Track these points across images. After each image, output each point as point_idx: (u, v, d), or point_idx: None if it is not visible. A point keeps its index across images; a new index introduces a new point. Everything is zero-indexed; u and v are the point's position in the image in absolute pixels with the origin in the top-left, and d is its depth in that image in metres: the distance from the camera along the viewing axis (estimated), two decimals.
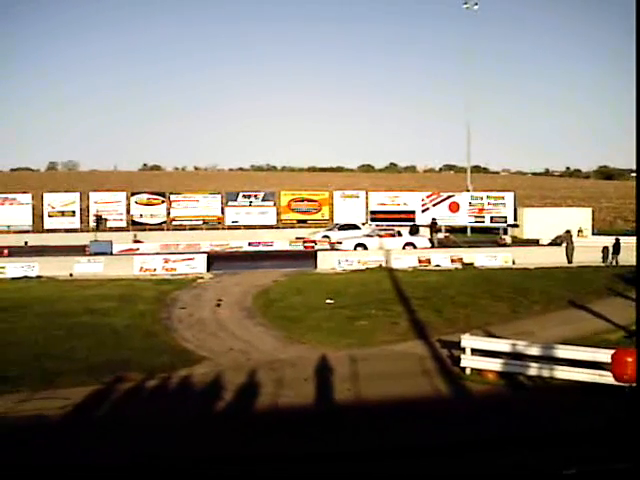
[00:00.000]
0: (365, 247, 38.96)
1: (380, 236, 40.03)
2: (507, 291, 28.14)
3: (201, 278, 32.52)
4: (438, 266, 35.05)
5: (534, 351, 16.40)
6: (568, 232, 37.99)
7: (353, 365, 17.85)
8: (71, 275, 32.72)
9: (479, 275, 32.61)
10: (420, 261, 35.45)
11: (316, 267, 34.97)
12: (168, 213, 48.98)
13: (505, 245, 42.89)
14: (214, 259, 36.19)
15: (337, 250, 38.83)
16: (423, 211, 49.70)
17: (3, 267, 32.92)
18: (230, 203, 49.78)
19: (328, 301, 26.14)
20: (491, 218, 49.58)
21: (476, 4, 52.28)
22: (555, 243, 40.28)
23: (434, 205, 50.01)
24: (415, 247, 38.99)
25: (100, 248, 38.28)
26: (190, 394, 15.98)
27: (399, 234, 40.21)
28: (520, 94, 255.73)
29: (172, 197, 49.78)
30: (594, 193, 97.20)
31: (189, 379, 16.86)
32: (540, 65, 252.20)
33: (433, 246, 40.32)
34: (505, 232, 48.32)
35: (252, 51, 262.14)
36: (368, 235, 41.08)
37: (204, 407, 14.90)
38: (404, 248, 38.47)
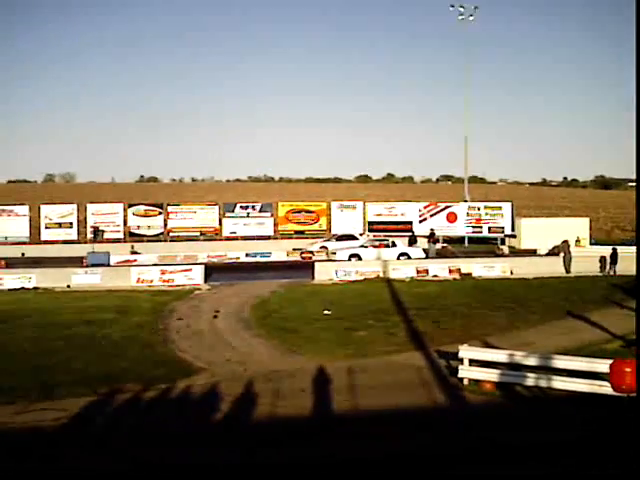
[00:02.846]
0: (359, 258, 39.07)
1: (375, 246, 40.16)
2: (505, 301, 28.12)
3: (198, 289, 32.44)
4: (436, 276, 35.00)
5: (532, 361, 16.36)
6: (565, 242, 37.94)
7: (351, 376, 17.82)
8: (68, 286, 32.66)
9: (477, 285, 32.58)
10: (418, 271, 35.39)
11: (313, 278, 34.90)
12: (165, 224, 48.96)
13: (503, 255, 42.92)
14: (211, 270, 36.13)
15: (333, 261, 38.87)
16: (421, 222, 49.73)
17: (0, 278, 32.87)
18: (227, 214, 49.80)
19: (326, 312, 26.08)
20: (489, 228, 49.61)
21: (471, 15, 52.50)
22: (553, 253, 40.27)
23: (432, 215, 50.06)
24: (409, 257, 39.01)
25: (97, 259, 38.28)
26: (187, 405, 15.92)
27: (393, 244, 40.25)
28: (518, 105, 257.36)
29: (169, 208, 49.76)
30: (591, 203, 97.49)
31: (186, 390, 16.80)
32: (538, 75, 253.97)
33: (427, 256, 40.33)
34: (502, 242, 48.36)
35: (249, 63, 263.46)
36: (362, 246, 41.15)
37: (201, 418, 14.85)
38: (398, 258, 38.44)
